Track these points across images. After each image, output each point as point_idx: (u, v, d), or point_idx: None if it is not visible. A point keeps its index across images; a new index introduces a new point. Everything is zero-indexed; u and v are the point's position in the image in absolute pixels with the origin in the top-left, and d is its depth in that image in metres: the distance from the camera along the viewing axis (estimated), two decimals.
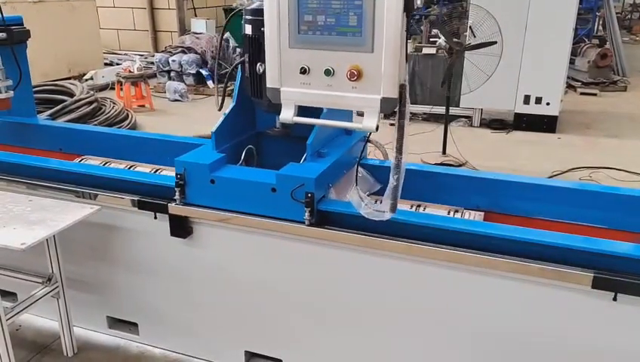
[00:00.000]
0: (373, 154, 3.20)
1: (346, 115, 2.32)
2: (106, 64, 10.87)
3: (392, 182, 2.01)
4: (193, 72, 9.58)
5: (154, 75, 9.83)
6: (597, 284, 1.94)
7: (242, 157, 2.70)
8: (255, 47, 2.39)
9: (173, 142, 3.27)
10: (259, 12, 2.26)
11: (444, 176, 2.74)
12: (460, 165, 5.77)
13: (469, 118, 7.57)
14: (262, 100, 2.46)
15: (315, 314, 2.51)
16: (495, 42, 5.65)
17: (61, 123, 4.88)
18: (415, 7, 1.80)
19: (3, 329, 2.42)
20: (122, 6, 12.84)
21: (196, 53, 9.69)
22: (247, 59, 2.48)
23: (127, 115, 7.28)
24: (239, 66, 2.65)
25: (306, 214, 2.25)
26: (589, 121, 7.74)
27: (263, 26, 2.12)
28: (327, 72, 1.92)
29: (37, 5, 9.09)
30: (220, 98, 2.78)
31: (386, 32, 1.80)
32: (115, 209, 2.65)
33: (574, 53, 9.73)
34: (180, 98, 9.01)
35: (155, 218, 2.57)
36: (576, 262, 1.99)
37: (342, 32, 1.88)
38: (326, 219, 2.30)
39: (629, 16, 19.39)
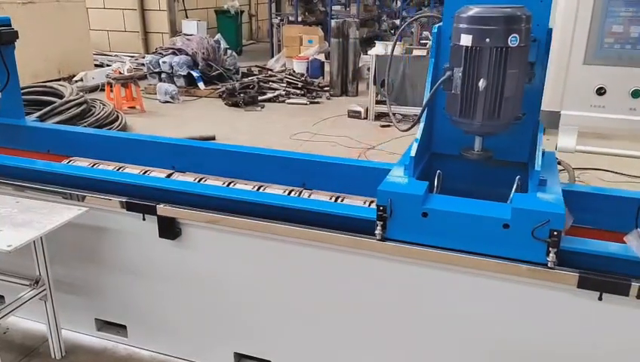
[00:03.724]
0: None
1: None
2: (96, 65, 10.82)
3: None
4: (184, 73, 9.57)
5: (144, 77, 9.79)
6: (582, 284, 1.96)
7: (435, 184, 2.34)
8: (475, 61, 2.11)
9: (163, 143, 3.27)
10: (482, 20, 2.06)
11: None
12: None
13: None
14: (472, 121, 2.20)
15: (305, 317, 2.51)
16: None
17: (49, 124, 4.86)
18: None
19: None
20: (112, 7, 12.82)
21: (187, 54, 9.67)
22: (458, 74, 2.17)
23: (117, 116, 7.24)
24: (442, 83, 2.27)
25: (551, 256, 1.93)
26: None
27: (488, 36, 1.95)
28: (635, 94, 1.66)
29: (26, 6, 9.03)
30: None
31: None
32: (103, 210, 2.64)
33: None
34: (170, 99, 8.99)
35: (144, 219, 2.56)
36: (563, 262, 2.00)
37: None
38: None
39: None
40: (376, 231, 2.15)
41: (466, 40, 2.10)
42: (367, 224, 2.21)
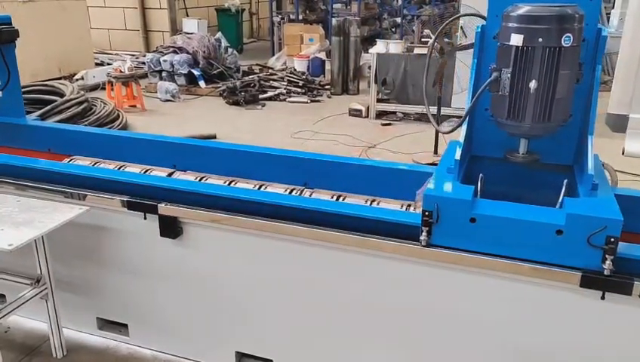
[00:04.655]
0: None
1: None
2: (96, 64, 10.81)
3: None
4: (185, 72, 9.56)
5: (145, 75, 9.78)
6: (585, 283, 1.95)
7: (479, 188, 2.23)
8: (526, 61, 2.04)
9: (164, 142, 3.27)
10: (535, 19, 1.99)
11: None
12: None
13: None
14: (521, 123, 2.13)
15: (306, 316, 2.51)
16: None
17: (50, 123, 4.85)
18: None
19: None
20: (113, 6, 12.80)
21: (188, 53, 9.66)
22: (507, 75, 2.10)
23: (118, 115, 7.24)
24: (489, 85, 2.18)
25: (607, 263, 1.88)
26: None
27: (540, 36, 1.89)
28: None
29: (27, 5, 9.03)
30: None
31: None
32: (105, 209, 2.64)
33: None
34: (171, 98, 8.99)
35: (145, 218, 2.56)
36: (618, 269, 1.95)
37: None
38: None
39: None
40: (421, 237, 2.08)
41: (516, 39, 2.02)
42: (372, 224, 2.22)
